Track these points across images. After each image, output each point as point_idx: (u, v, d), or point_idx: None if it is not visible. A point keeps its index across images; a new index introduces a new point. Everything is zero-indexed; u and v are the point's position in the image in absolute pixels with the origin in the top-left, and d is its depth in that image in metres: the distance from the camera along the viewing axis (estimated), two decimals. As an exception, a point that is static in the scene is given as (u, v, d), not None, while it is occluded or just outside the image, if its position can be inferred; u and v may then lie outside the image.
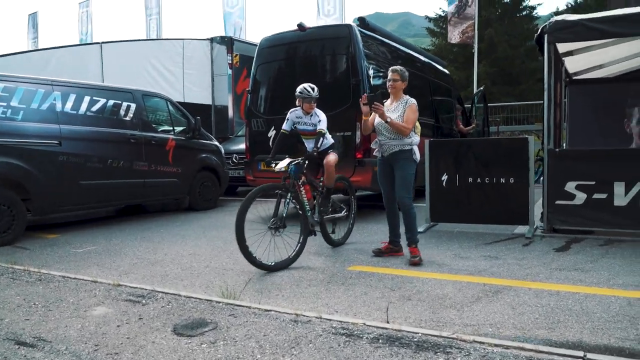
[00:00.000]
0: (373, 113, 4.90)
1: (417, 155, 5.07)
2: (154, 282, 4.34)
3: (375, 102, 4.73)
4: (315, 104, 5.39)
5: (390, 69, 5.12)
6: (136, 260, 5.23)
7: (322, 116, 5.38)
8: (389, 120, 4.77)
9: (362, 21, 8.25)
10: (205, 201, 9.09)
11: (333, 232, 5.68)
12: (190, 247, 5.86)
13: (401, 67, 5.15)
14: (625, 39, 6.56)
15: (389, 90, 5.07)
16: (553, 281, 4.12)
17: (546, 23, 6.06)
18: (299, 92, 5.30)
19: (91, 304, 3.63)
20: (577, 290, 3.83)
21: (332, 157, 5.39)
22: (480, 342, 2.73)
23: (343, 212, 5.78)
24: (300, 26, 7.91)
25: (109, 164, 7.38)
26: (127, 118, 7.81)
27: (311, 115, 5.40)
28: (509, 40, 25.94)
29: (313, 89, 5.30)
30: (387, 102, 5.08)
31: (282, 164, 4.97)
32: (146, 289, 3.96)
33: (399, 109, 4.93)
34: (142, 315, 3.36)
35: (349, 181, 6.12)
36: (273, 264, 4.64)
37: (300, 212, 5.02)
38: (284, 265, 4.72)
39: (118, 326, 3.17)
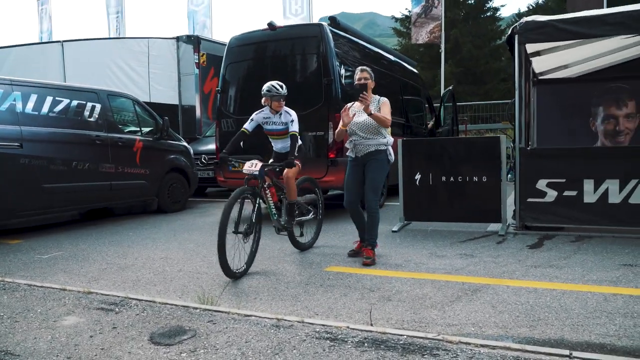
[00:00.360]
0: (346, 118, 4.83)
1: (392, 156, 5.04)
2: (126, 289, 4.18)
3: (363, 93, 4.65)
4: (284, 102, 5.13)
5: (359, 68, 5.02)
6: (105, 266, 5.04)
7: (294, 115, 5.09)
8: (372, 112, 4.69)
9: (333, 20, 8.21)
10: (174, 203, 8.88)
11: (301, 234, 5.51)
12: (162, 250, 5.70)
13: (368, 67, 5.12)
14: (589, 40, 6.71)
15: None
16: (530, 278, 4.16)
17: (516, 24, 6.13)
18: (267, 91, 5.00)
19: (61, 314, 3.46)
20: (553, 287, 3.88)
21: (292, 170, 5.03)
22: (466, 343, 2.71)
23: (310, 214, 5.58)
24: (271, 25, 7.80)
25: (73, 167, 7.11)
26: (92, 119, 7.55)
27: (280, 114, 5.12)
28: (474, 41, 26.40)
29: (282, 86, 5.03)
30: (357, 104, 4.96)
31: (254, 168, 4.69)
32: (119, 296, 3.81)
33: (372, 107, 4.87)
34: (116, 324, 3.22)
35: (314, 182, 5.87)
36: (244, 266, 4.52)
37: (254, 212, 4.72)
38: (252, 259, 4.65)
39: (91, 336, 3.02)
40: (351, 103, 5.06)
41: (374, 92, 5.04)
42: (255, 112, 5.21)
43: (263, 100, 5.10)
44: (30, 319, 3.36)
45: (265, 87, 5.03)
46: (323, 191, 9.00)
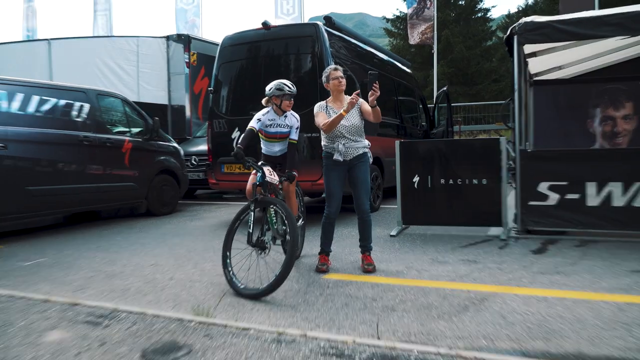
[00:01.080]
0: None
1: (372, 158, 4.85)
2: (115, 299, 3.96)
3: (375, 83, 4.35)
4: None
5: (332, 67, 4.73)
6: (92, 273, 4.81)
7: (299, 120, 4.83)
8: (375, 104, 4.42)
9: (328, 20, 8.03)
10: (164, 206, 8.65)
11: None
12: (151, 256, 5.47)
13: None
14: (586, 41, 6.61)
15: (338, 88, 4.66)
16: (537, 286, 4.00)
17: (515, 24, 6.00)
18: (277, 89, 4.64)
19: (44, 328, 3.23)
20: (564, 296, 3.72)
21: (293, 182, 4.84)
22: (482, 359, 2.54)
23: (300, 221, 5.31)
24: (265, 24, 7.62)
25: (59, 168, 6.87)
26: (80, 119, 7.31)
27: (286, 116, 4.80)
28: (465, 42, 26.40)
29: (293, 84, 4.72)
30: (331, 103, 4.70)
31: (275, 177, 4.41)
32: (107, 308, 3.59)
33: (354, 108, 4.57)
34: (104, 339, 3.00)
35: (298, 185, 5.43)
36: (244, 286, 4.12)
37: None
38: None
39: (78, 353, 2.81)
40: (324, 103, 4.75)
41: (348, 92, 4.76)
42: (262, 113, 4.76)
43: (265, 100, 4.77)
44: (11, 335, 3.13)
45: (273, 85, 4.68)
46: (316, 194, 8.84)
